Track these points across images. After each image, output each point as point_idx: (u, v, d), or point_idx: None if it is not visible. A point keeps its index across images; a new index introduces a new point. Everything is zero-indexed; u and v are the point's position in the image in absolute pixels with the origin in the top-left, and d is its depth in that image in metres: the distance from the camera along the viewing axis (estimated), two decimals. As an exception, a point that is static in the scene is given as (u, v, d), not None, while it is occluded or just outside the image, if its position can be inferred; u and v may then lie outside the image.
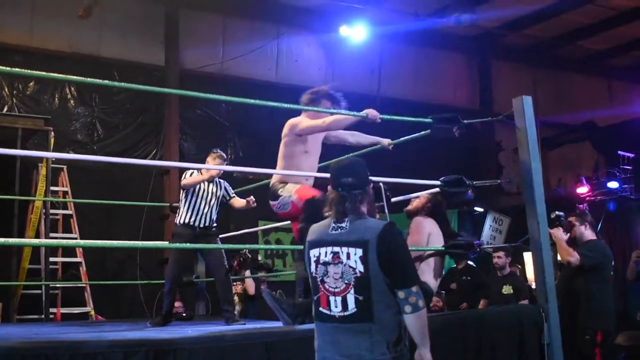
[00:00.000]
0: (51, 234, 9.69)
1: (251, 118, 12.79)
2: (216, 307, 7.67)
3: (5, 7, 11.12)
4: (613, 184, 12.27)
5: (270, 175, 5.97)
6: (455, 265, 10.03)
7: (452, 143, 9.68)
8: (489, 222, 13.86)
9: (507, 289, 8.71)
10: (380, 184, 5.17)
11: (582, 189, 12.92)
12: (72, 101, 11.82)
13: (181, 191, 7.18)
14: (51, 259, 9.65)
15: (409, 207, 5.71)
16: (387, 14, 13.20)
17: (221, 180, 7.35)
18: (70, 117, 11.75)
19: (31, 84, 11.44)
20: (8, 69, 4.38)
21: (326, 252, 3.45)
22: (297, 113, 5.93)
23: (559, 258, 6.72)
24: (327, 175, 3.83)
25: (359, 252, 3.35)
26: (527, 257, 11.20)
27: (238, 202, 7.43)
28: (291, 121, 5.84)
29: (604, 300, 6.32)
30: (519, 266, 11.27)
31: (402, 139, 6.30)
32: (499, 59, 16.12)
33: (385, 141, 6.19)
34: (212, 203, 7.12)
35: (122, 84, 5.36)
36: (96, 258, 10.98)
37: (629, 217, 11.86)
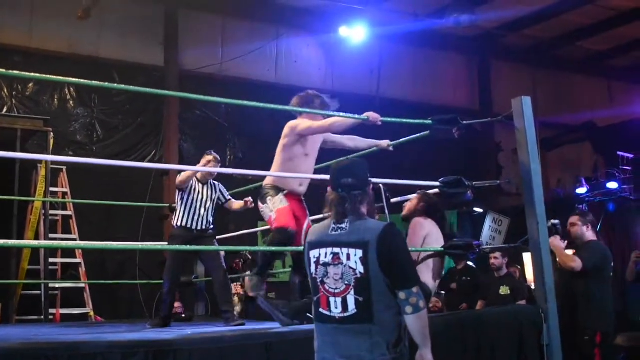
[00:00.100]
0: (50, 235, 9.70)
1: (251, 119, 12.80)
2: (216, 307, 7.67)
3: (4, 7, 11.12)
4: (612, 185, 12.27)
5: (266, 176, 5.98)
6: (455, 266, 10.03)
7: (451, 144, 9.67)
8: (488, 222, 13.86)
9: (504, 290, 8.70)
10: (380, 185, 5.18)
11: (582, 190, 12.92)
12: (71, 102, 11.83)
13: (177, 193, 7.19)
14: (50, 260, 9.66)
15: (403, 212, 5.71)
16: (387, 14, 13.20)
17: (216, 183, 7.35)
18: (70, 118, 11.75)
19: (30, 84, 11.45)
20: (7, 71, 4.38)
21: (326, 253, 3.44)
22: (295, 113, 5.93)
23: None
24: (323, 177, 3.83)
25: (359, 253, 3.34)
26: (527, 257, 11.19)
27: (235, 204, 7.44)
28: (291, 123, 5.86)
29: (604, 301, 6.32)
30: (519, 267, 11.26)
31: (401, 140, 6.30)
32: (498, 59, 16.13)
33: (384, 143, 6.19)
34: (207, 205, 7.12)
35: (121, 85, 5.36)
36: (95, 259, 10.97)
37: (628, 218, 11.87)
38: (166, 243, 8.00)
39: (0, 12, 11.14)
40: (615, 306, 6.58)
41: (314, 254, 3.50)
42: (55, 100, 11.69)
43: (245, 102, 5.37)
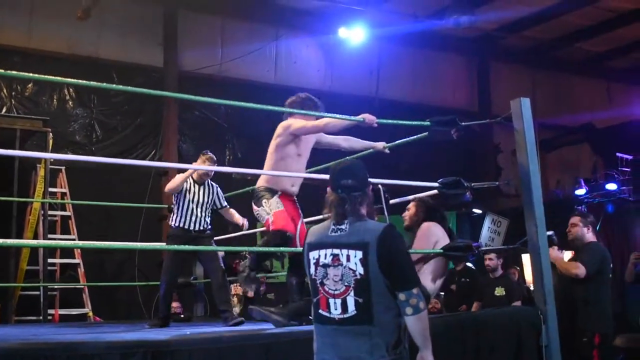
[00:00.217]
0: (49, 235, 9.69)
1: (250, 119, 12.79)
2: (214, 308, 7.67)
3: (3, 8, 11.12)
4: (611, 186, 12.28)
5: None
6: (454, 267, 10.03)
7: (450, 145, 9.70)
8: (487, 223, 13.87)
9: (499, 291, 8.71)
10: (379, 186, 5.18)
11: (581, 191, 12.93)
12: (70, 102, 11.83)
13: (173, 194, 7.20)
14: (49, 260, 9.66)
15: (406, 223, 5.69)
16: (386, 15, 13.21)
17: (214, 185, 7.34)
18: (69, 119, 11.75)
19: (30, 85, 11.45)
20: (6, 71, 4.38)
21: (326, 255, 3.43)
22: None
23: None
24: (322, 177, 3.83)
25: (359, 254, 3.34)
26: (526, 258, 11.19)
27: (234, 217, 7.43)
28: (284, 123, 5.88)
29: (602, 302, 6.31)
30: (518, 268, 11.27)
31: (397, 142, 6.30)
32: (497, 60, 16.15)
33: (380, 145, 6.18)
34: (204, 206, 7.13)
35: (120, 86, 5.36)
36: (94, 259, 10.96)
37: (627, 219, 11.87)
38: (165, 244, 8.00)
39: (0, 13, 11.14)
40: (614, 307, 6.58)
41: (313, 255, 3.50)
42: (55, 100, 11.70)
43: (244, 104, 5.37)
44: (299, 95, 5.98)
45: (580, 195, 12.86)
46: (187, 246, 6.83)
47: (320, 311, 3.46)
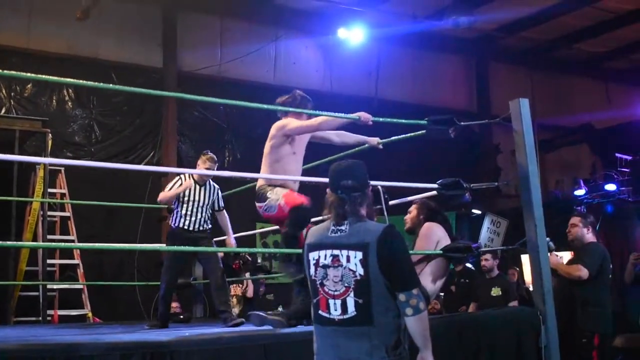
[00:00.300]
0: (49, 236, 9.69)
1: (249, 120, 12.79)
2: (214, 309, 7.66)
3: (2, 8, 11.10)
4: (610, 187, 12.28)
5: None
6: (453, 268, 10.03)
7: (449, 145, 9.71)
8: (486, 224, 13.87)
9: (495, 291, 8.72)
10: (379, 186, 5.18)
11: (580, 192, 12.93)
12: (69, 103, 11.83)
13: None
14: (48, 261, 9.66)
15: (407, 225, 5.69)
16: (385, 16, 13.21)
17: (215, 186, 7.33)
18: (68, 119, 11.75)
19: (29, 86, 11.44)
20: (4, 72, 4.38)
21: (326, 255, 3.43)
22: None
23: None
24: (322, 180, 3.83)
25: (359, 255, 3.34)
26: (525, 259, 11.19)
27: (224, 221, 7.40)
28: (278, 124, 5.86)
29: (602, 303, 6.32)
30: (517, 268, 11.28)
31: (392, 138, 6.27)
32: (497, 61, 16.16)
33: (374, 140, 6.18)
34: (204, 207, 7.12)
35: (118, 86, 5.37)
36: (93, 260, 10.95)
37: (626, 220, 11.87)
38: (164, 244, 8.00)
39: (-1, 13, 11.15)
40: (613, 308, 6.58)
41: (313, 255, 3.49)
42: (54, 101, 11.70)
43: (243, 103, 5.38)
44: (293, 94, 5.97)
45: (580, 196, 12.86)
46: (186, 247, 6.82)
47: (320, 312, 3.46)
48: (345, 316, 3.36)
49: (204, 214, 7.11)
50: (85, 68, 11.32)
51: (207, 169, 7.08)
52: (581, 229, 6.52)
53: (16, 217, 9.38)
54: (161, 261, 8.24)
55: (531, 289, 6.26)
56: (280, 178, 5.68)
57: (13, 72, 4.53)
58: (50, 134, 9.81)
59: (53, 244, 9.69)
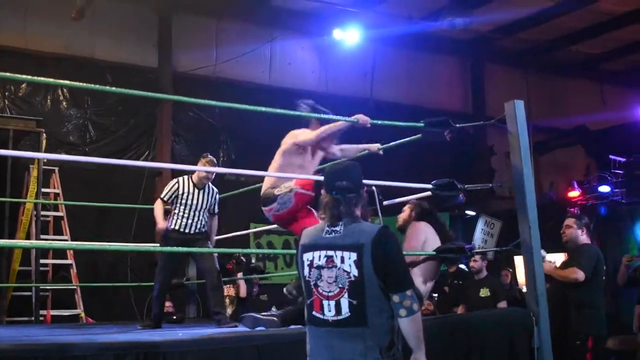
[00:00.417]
0: (42, 236, 9.68)
1: (244, 121, 12.79)
2: (207, 309, 7.65)
3: (-2, 8, 11.11)
4: (604, 188, 12.29)
5: (261, 178, 5.95)
6: (447, 269, 10.04)
7: (444, 146, 9.69)
8: (480, 225, 13.89)
9: (484, 292, 8.76)
10: (373, 187, 5.18)
11: (574, 193, 12.95)
12: (64, 103, 11.80)
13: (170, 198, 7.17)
14: (42, 261, 9.65)
15: (398, 223, 5.71)
16: (381, 17, 13.22)
17: (214, 189, 7.30)
18: (62, 119, 11.72)
19: (23, 85, 11.42)
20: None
21: (320, 256, 3.44)
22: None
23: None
24: (317, 178, 3.83)
25: (354, 256, 3.34)
26: (518, 260, 11.21)
27: (211, 224, 7.36)
28: (294, 131, 5.82)
29: (596, 305, 6.33)
30: (510, 270, 11.30)
31: (392, 143, 6.30)
32: (492, 62, 16.18)
33: (374, 146, 6.17)
34: (202, 211, 7.10)
35: (113, 88, 5.33)
36: (87, 260, 10.93)
37: (619, 222, 11.88)
38: (158, 245, 7.98)
39: (-6, 13, 11.13)
40: (607, 310, 6.59)
41: (307, 256, 3.49)
42: (48, 101, 11.67)
43: (238, 105, 5.36)
44: (309, 102, 5.90)
45: (574, 198, 12.88)
46: (182, 248, 6.80)
47: (313, 313, 3.46)
48: (339, 317, 3.36)
49: (200, 218, 7.09)
50: (81, 68, 11.31)
51: (206, 172, 7.06)
52: (575, 230, 6.53)
53: (9, 217, 9.39)
54: (155, 261, 8.23)
55: (524, 290, 6.27)
56: (276, 176, 5.66)
57: (6, 74, 4.49)
58: (44, 134, 9.79)
59: (46, 243, 9.66)
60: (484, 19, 13.21)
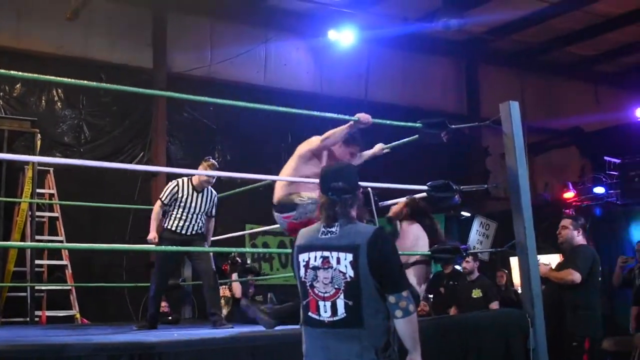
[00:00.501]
0: (37, 237, 9.65)
1: (239, 121, 12.78)
2: (203, 310, 7.65)
3: (-8, 8, 11.08)
4: (599, 190, 12.31)
5: (258, 180, 5.93)
6: (442, 270, 10.05)
7: (439, 147, 9.71)
8: (475, 226, 13.90)
9: (476, 293, 8.81)
10: (369, 189, 5.18)
11: (569, 194, 12.97)
12: (59, 103, 11.78)
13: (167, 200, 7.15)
14: (37, 262, 9.62)
15: (389, 214, 5.69)
16: (376, 18, 13.23)
17: (213, 192, 7.28)
18: (57, 120, 11.71)
19: (18, 85, 11.40)
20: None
21: (316, 257, 3.44)
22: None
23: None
24: (313, 181, 3.82)
25: (349, 257, 3.35)
26: (514, 261, 11.23)
27: (208, 226, 7.33)
28: (310, 139, 5.72)
29: (593, 306, 6.32)
30: (506, 271, 11.31)
31: (394, 143, 6.30)
32: (487, 63, 16.20)
33: (378, 148, 6.16)
34: (200, 214, 7.08)
35: (106, 85, 5.34)
36: (82, 261, 10.91)
37: (614, 223, 11.89)
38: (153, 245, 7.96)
39: (-12, 13, 11.10)
40: (603, 311, 6.59)
41: (303, 257, 3.49)
42: (43, 101, 11.65)
43: (233, 102, 5.36)
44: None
45: (568, 199, 12.90)
46: (178, 247, 6.78)
47: (309, 314, 3.46)
48: (335, 318, 3.36)
49: (197, 220, 7.08)
50: (75, 68, 11.27)
51: (207, 176, 7.04)
52: (571, 231, 6.51)
53: (4, 218, 9.35)
54: (150, 262, 8.24)
55: (520, 291, 6.27)
56: (273, 179, 5.63)
57: (1, 71, 4.49)
58: (39, 134, 9.77)
59: (41, 244, 9.65)
60: (479, 20, 13.25)
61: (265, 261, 13.16)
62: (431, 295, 9.77)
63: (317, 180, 5.39)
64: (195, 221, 7.05)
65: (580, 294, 6.26)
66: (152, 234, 6.94)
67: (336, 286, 3.36)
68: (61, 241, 10.03)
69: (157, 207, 7.10)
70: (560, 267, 6.58)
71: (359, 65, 14.27)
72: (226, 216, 7.79)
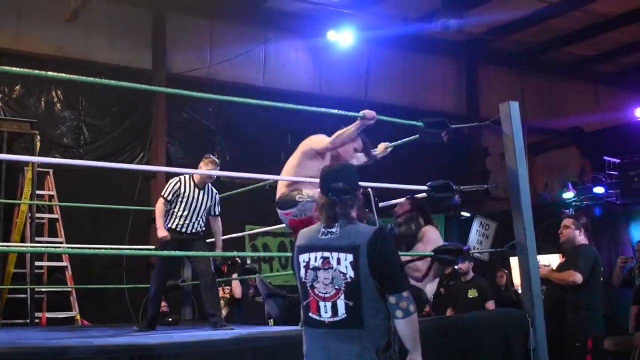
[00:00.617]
0: (37, 238, 9.65)
1: (238, 121, 12.79)
2: (203, 311, 7.64)
3: (-9, 10, 11.08)
4: (599, 189, 12.31)
5: (258, 180, 5.93)
6: (443, 270, 10.04)
7: (439, 148, 9.71)
8: (475, 227, 13.88)
9: (472, 293, 8.84)
10: (369, 189, 5.17)
11: (568, 194, 12.96)
12: (58, 104, 11.78)
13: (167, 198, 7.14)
14: (37, 263, 9.62)
15: (399, 219, 5.66)
16: (375, 18, 13.23)
17: (214, 190, 7.28)
18: (57, 121, 11.71)
19: (17, 87, 11.38)
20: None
21: (316, 257, 3.43)
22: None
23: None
24: (314, 180, 3.82)
25: (350, 257, 3.34)
26: (514, 262, 11.22)
27: (217, 227, 7.35)
28: (312, 136, 5.75)
29: (594, 306, 6.29)
30: (506, 271, 11.31)
31: (396, 142, 6.29)
32: (486, 63, 16.20)
33: (381, 147, 6.16)
34: (201, 211, 7.07)
35: (105, 80, 5.34)
36: (82, 262, 10.91)
37: (614, 223, 11.89)
38: (153, 247, 7.97)
39: (-13, 15, 11.10)
40: (603, 311, 6.57)
41: (303, 258, 3.49)
42: (42, 102, 11.64)
43: (233, 98, 5.35)
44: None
45: (568, 199, 12.90)
46: (176, 252, 6.75)
47: (310, 314, 3.46)
48: (336, 318, 3.36)
49: (199, 218, 7.07)
50: (74, 69, 11.20)
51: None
52: (573, 230, 6.47)
53: (4, 219, 9.36)
54: (150, 263, 8.24)
55: (520, 291, 6.26)
56: (273, 179, 5.64)
57: (2, 67, 4.48)
58: (38, 136, 9.77)
59: (41, 248, 9.63)
60: (478, 20, 13.24)
61: (265, 262, 13.16)
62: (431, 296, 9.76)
63: (317, 180, 5.46)
64: (196, 219, 7.04)
65: (582, 294, 6.23)
66: (163, 232, 6.89)
67: (336, 287, 3.36)
68: (61, 243, 10.02)
69: (160, 205, 7.07)
70: (561, 267, 6.55)
71: (359, 66, 14.27)
72: (226, 217, 7.75)
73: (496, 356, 5.19)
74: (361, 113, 5.44)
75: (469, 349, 5.11)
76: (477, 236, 13.87)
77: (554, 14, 13.50)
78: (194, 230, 7.03)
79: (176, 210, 7.00)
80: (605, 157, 12.58)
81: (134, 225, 11.31)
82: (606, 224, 11.86)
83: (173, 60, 12.65)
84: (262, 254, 13.21)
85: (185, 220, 6.98)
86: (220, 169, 8.32)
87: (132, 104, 12.25)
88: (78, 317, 9.75)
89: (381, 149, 6.15)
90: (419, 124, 5.63)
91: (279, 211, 5.62)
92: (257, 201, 10.02)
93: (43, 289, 9.78)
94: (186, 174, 7.20)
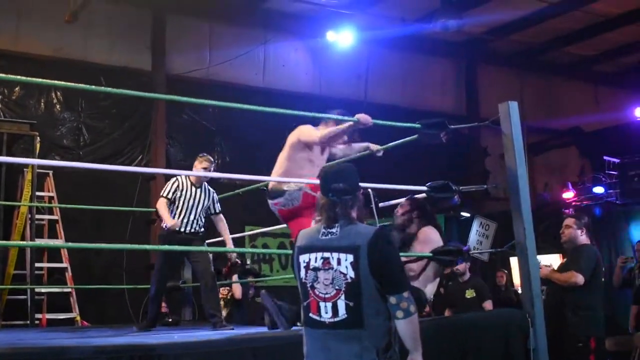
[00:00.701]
0: (37, 240, 9.64)
1: (238, 123, 12.79)
2: (203, 312, 7.64)
3: (-10, 11, 11.07)
4: (599, 189, 12.31)
5: (257, 180, 5.94)
6: (442, 271, 10.04)
7: (438, 148, 9.70)
8: (475, 227, 13.88)
9: (469, 293, 8.86)
10: (369, 189, 5.17)
11: (568, 194, 12.97)
12: (58, 106, 11.78)
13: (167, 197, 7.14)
14: (36, 264, 9.61)
15: (397, 221, 5.64)
16: (374, 19, 13.23)
17: (211, 190, 7.30)
18: (56, 122, 11.71)
19: (17, 88, 11.38)
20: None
21: (316, 258, 3.43)
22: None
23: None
24: (314, 181, 3.83)
25: (350, 257, 3.35)
26: (514, 262, 11.22)
27: (221, 226, 7.36)
28: (300, 127, 5.84)
29: (595, 307, 6.28)
30: (506, 271, 11.31)
31: (390, 144, 6.30)
32: (486, 64, 16.19)
33: (374, 147, 6.18)
34: (199, 210, 7.09)
35: (103, 88, 5.33)
36: (82, 263, 10.91)
37: (614, 223, 11.89)
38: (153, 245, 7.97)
39: (-14, 17, 11.09)
40: (604, 311, 6.57)
41: (303, 258, 3.49)
42: (42, 104, 11.64)
43: (233, 104, 5.36)
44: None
45: (568, 199, 12.90)
46: (176, 246, 6.76)
47: (310, 315, 3.46)
48: (336, 319, 3.36)
49: (197, 216, 7.08)
50: (74, 71, 11.27)
51: (204, 169, 7.08)
52: (575, 230, 6.45)
53: (4, 221, 9.35)
54: (150, 264, 8.23)
55: (520, 291, 6.26)
56: (272, 180, 5.66)
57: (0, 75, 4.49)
58: (38, 137, 9.77)
59: (42, 243, 9.63)
60: (478, 20, 13.25)
61: (265, 262, 13.15)
62: (431, 296, 9.77)
63: (310, 178, 5.48)
64: (195, 217, 7.05)
65: (583, 294, 6.22)
66: (172, 221, 6.92)
67: (337, 287, 3.36)
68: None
69: (161, 202, 7.09)
70: (563, 267, 6.53)
71: (358, 66, 14.28)
72: (226, 217, 7.76)
73: (496, 356, 5.19)
74: (356, 118, 5.43)
75: (469, 349, 5.11)
76: (477, 236, 13.86)
77: (553, 14, 13.49)
78: (192, 230, 7.03)
79: (175, 209, 7.01)
80: (605, 157, 12.57)
81: (134, 227, 11.32)
82: (606, 224, 11.86)
83: (173, 61, 12.65)
84: (261, 250, 13.20)
85: (183, 219, 6.99)
86: (220, 170, 8.36)
87: (132, 105, 12.25)
88: (78, 318, 9.75)
89: (372, 147, 6.17)
90: (417, 126, 5.63)
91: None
92: (257, 202, 10.03)
93: (43, 290, 9.77)
94: (185, 174, 7.21)
